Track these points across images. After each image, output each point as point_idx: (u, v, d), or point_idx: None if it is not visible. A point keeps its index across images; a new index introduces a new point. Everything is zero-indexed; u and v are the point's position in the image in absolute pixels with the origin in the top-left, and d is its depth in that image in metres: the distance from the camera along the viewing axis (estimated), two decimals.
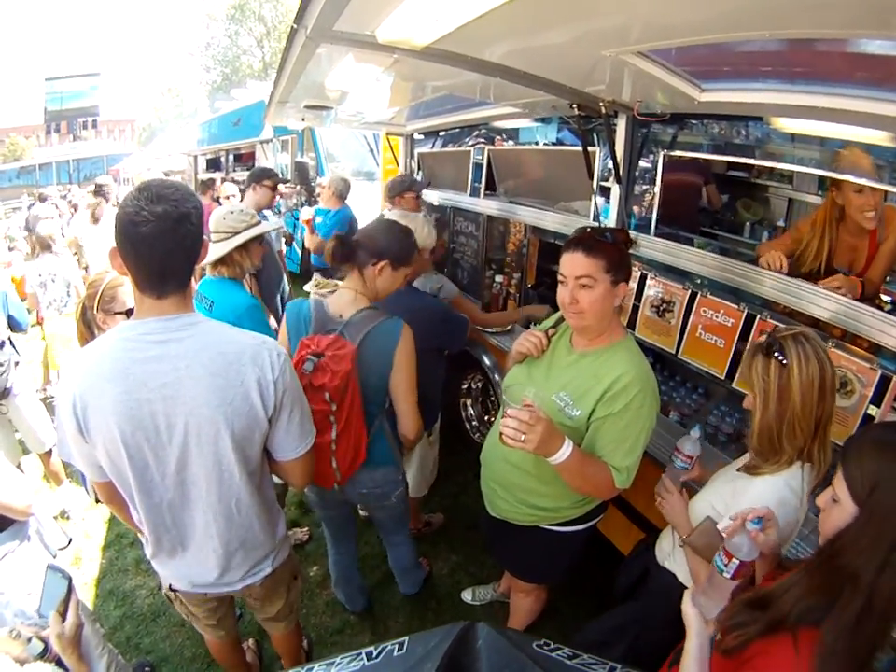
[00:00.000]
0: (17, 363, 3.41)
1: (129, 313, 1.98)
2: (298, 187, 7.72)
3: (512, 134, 3.79)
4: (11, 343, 3.41)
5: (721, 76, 1.92)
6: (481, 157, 3.93)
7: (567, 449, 1.51)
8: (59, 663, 1.30)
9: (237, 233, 2.41)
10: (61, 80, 34.44)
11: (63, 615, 1.31)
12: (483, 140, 4.00)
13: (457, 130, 4.28)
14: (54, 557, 1.96)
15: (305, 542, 3.21)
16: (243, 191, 4.65)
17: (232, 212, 2.45)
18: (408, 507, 2.38)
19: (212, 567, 1.55)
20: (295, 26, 1.65)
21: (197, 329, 1.33)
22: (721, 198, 3.57)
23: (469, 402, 3.92)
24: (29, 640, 1.31)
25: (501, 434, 1.49)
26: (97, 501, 1.81)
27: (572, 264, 1.61)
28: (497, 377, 3.30)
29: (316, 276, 4.72)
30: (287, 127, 5.96)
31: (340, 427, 1.85)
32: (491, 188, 3.96)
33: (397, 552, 2.62)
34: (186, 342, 1.31)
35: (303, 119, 4.07)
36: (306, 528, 3.28)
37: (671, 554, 1.70)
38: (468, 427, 3.91)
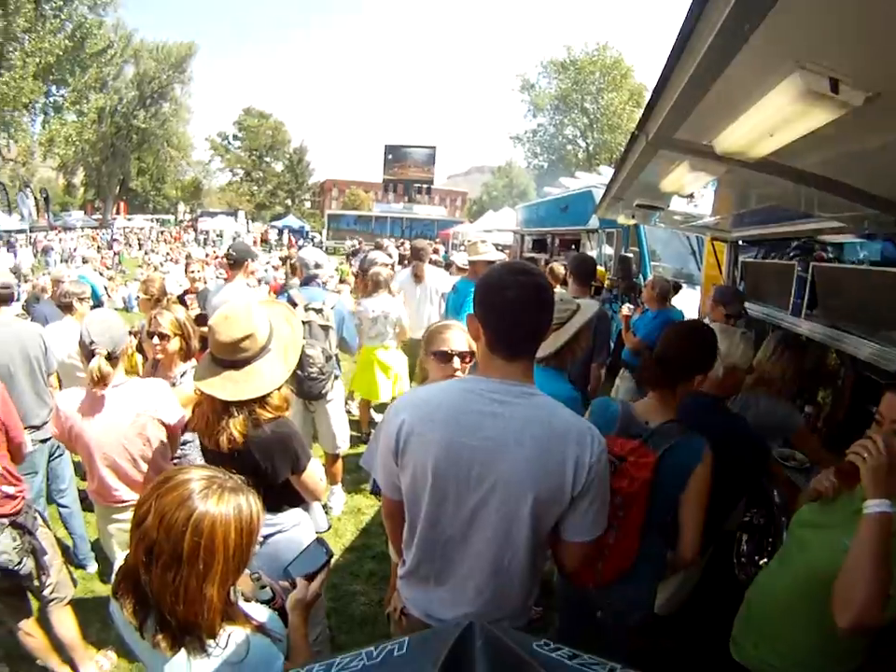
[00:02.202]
0: (336, 376, 4.19)
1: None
2: (619, 280, 7.84)
3: (835, 249, 3.63)
4: (337, 359, 4.19)
5: None
6: (804, 272, 3.81)
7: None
8: (280, 614, 1.52)
9: (562, 324, 2.39)
10: (399, 148, 40.31)
11: (310, 582, 1.55)
12: (804, 252, 3.91)
13: (781, 240, 4.20)
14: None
15: (535, 620, 3.13)
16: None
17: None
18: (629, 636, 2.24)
19: (456, 608, 1.61)
20: (637, 132, 1.84)
21: (533, 400, 1.47)
22: None
23: (745, 537, 3.63)
24: (263, 587, 1.58)
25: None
26: None
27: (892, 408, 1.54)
28: (784, 518, 3.02)
29: (623, 373, 4.90)
30: (615, 220, 6.23)
31: (619, 533, 1.87)
32: (812, 306, 3.80)
33: None
34: (520, 408, 1.44)
35: (633, 217, 4.30)
36: (540, 608, 3.23)
37: None
38: (735, 561, 3.63)
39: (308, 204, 59.48)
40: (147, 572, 1.16)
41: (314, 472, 2.26)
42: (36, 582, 2.69)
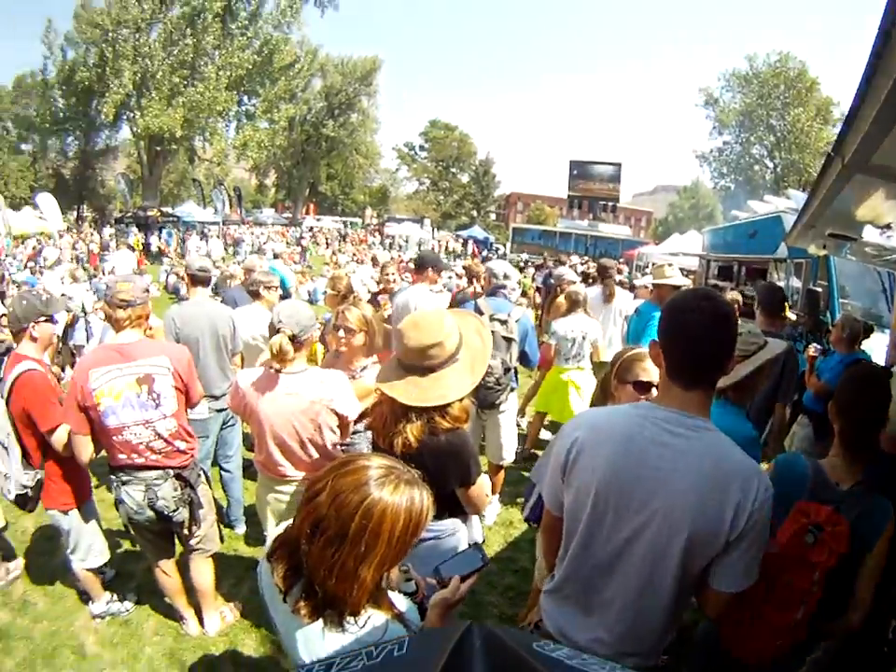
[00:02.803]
0: (513, 388, 4.26)
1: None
2: (805, 316, 7.39)
3: None
4: (515, 372, 4.27)
5: None
6: None
7: None
8: (419, 607, 1.57)
9: (746, 356, 2.31)
10: (585, 164, 39.83)
11: (459, 584, 1.56)
12: None
13: None
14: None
15: (662, 668, 3.10)
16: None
17: (741, 333, 2.24)
18: None
19: (591, 631, 1.63)
20: (832, 154, 1.75)
21: (705, 436, 1.46)
22: None
23: None
24: (408, 580, 1.65)
25: None
26: None
27: None
28: None
29: (802, 419, 4.63)
30: (805, 250, 5.91)
31: (808, 609, 1.81)
32: None
33: None
34: (692, 442, 1.45)
35: (823, 247, 4.02)
36: (666, 657, 3.13)
37: None
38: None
39: (493, 216, 60.67)
40: (309, 544, 1.23)
41: (481, 487, 2.28)
42: (186, 531, 2.99)
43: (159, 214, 29.84)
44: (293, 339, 2.60)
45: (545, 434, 6.02)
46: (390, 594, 1.45)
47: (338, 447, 2.83)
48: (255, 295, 4.62)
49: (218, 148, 34.08)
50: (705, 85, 43.29)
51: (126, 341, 2.77)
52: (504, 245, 39.02)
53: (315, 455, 2.77)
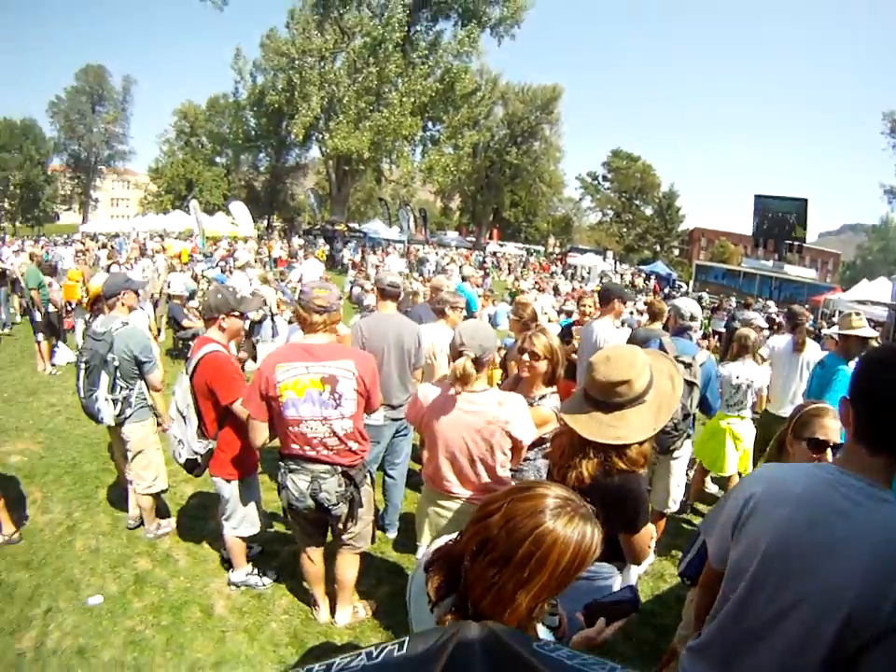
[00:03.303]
0: (689, 435, 4.19)
1: None
2: None
3: None
4: (693, 418, 4.15)
5: None
6: None
7: None
8: (559, 642, 1.52)
9: None
10: (770, 199, 37.32)
11: (607, 625, 1.58)
12: None
13: None
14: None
15: None
16: None
17: None
18: None
19: None
20: None
21: (883, 508, 1.33)
22: None
23: None
24: (553, 613, 1.61)
25: None
26: None
27: None
28: None
29: None
30: None
31: None
32: None
33: None
34: (870, 514, 1.33)
35: None
36: None
37: None
38: None
39: (676, 252, 58.79)
40: (472, 561, 1.22)
41: (645, 537, 2.22)
42: (341, 525, 3.08)
43: (346, 229, 32.02)
44: (475, 361, 2.61)
45: (712, 487, 5.79)
46: (536, 626, 1.44)
47: (507, 471, 2.82)
48: (440, 313, 4.70)
49: (405, 171, 35.49)
50: (889, 109, 38.73)
51: (316, 342, 2.92)
52: (686, 283, 37.67)
53: (484, 475, 2.77)
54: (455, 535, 1.39)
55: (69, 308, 10.35)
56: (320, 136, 33.69)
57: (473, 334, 2.66)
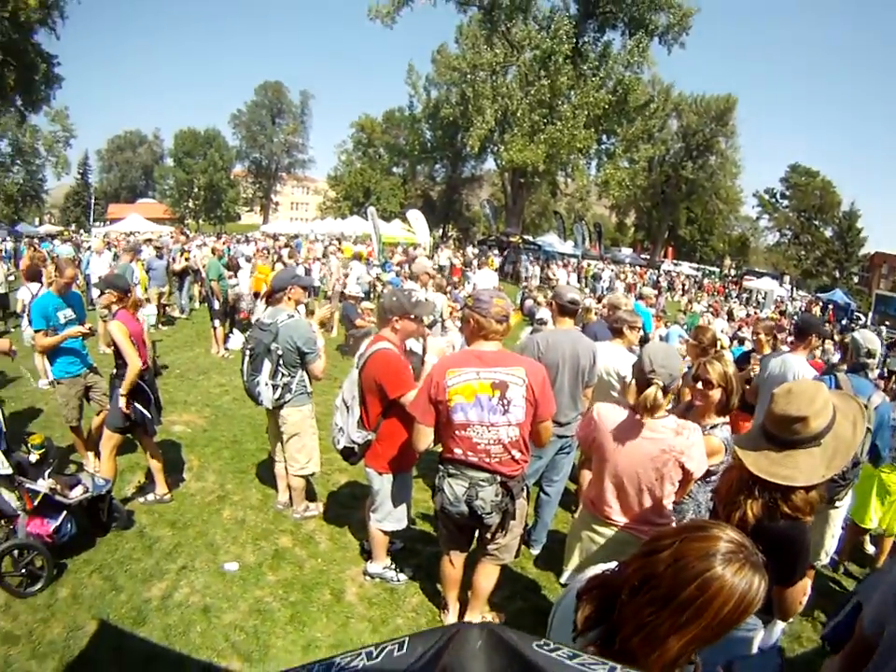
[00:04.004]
0: (853, 484, 3.89)
1: None
2: None
3: None
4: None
5: None
6: None
7: None
8: None
9: None
10: None
11: None
12: None
13: None
14: None
15: None
16: None
17: None
18: None
19: None
20: None
21: None
22: None
23: None
24: (691, 662, 1.46)
25: None
26: None
27: None
28: None
29: None
30: None
31: None
32: None
33: None
34: None
35: None
36: None
37: None
38: None
39: (856, 279, 54.56)
40: (631, 596, 1.19)
41: (799, 591, 2.10)
42: (489, 535, 3.06)
43: (520, 240, 32.20)
44: (663, 389, 2.57)
45: (869, 548, 5.29)
46: None
47: (671, 504, 2.75)
48: (617, 332, 4.64)
49: (580, 184, 35.79)
50: None
51: (487, 349, 2.93)
52: (864, 315, 34.43)
53: (648, 505, 2.69)
54: (613, 564, 1.37)
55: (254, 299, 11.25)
56: (495, 148, 34.38)
57: (664, 361, 2.62)
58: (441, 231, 49.13)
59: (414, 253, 21.65)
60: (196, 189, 55.23)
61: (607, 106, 31.31)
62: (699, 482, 2.93)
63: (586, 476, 4.65)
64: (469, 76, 32.20)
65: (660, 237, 50.06)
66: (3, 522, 3.79)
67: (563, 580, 3.31)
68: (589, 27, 32.82)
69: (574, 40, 30.71)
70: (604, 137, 35.09)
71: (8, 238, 26.16)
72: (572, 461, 4.44)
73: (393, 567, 3.85)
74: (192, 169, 54.17)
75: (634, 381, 2.77)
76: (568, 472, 4.45)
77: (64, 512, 3.78)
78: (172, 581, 3.74)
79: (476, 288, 12.18)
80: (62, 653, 3.18)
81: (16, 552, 3.59)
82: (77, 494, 3.91)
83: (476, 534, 3.22)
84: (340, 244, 23.79)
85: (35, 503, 3.66)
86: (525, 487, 3.14)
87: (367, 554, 3.96)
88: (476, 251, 29.15)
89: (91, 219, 51.31)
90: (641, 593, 1.18)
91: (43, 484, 3.73)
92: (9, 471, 3.59)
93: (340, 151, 56.00)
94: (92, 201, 55.72)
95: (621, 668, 0.89)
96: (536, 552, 4.31)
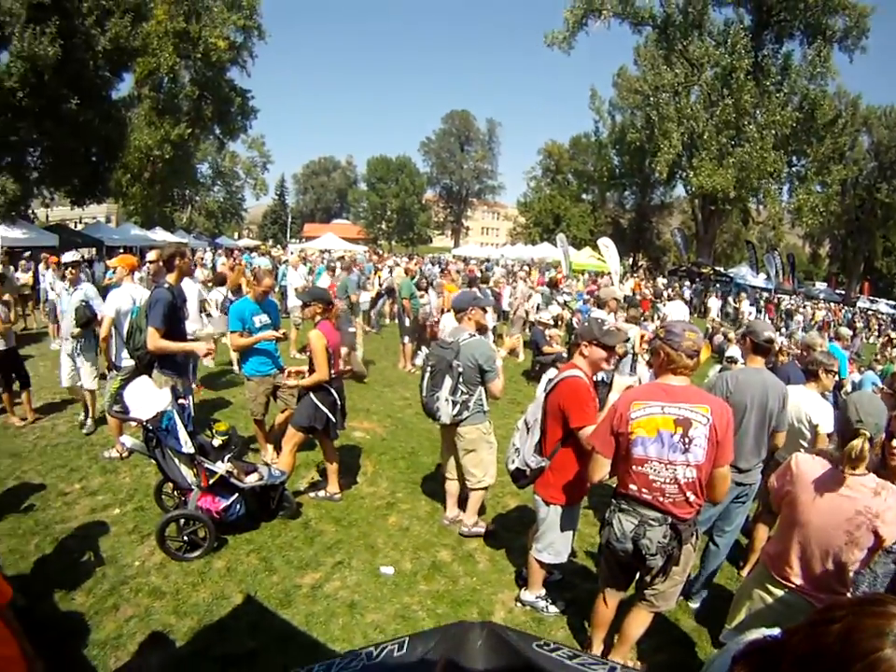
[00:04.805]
0: None
1: None
2: None
3: None
4: None
5: None
6: None
7: None
8: None
9: None
10: None
11: None
12: None
13: None
14: None
15: None
16: None
17: None
18: None
19: None
20: None
21: None
22: None
23: None
24: None
25: None
26: None
27: None
28: None
29: None
30: None
31: None
32: None
33: None
34: None
35: None
36: None
37: None
38: None
39: None
40: (792, 666, 1.12)
41: None
42: (649, 578, 2.97)
43: (711, 272, 31.08)
44: (871, 440, 2.43)
45: None
46: None
47: (852, 573, 2.56)
48: (811, 375, 4.38)
49: (772, 212, 34.11)
50: None
51: (676, 384, 2.88)
52: None
53: (830, 570, 2.54)
54: (776, 631, 1.30)
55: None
56: (683, 174, 33.43)
57: (871, 410, 2.47)
58: (630, 259, 48.51)
59: (602, 281, 21.40)
60: (389, 213, 59.37)
61: (794, 125, 29.71)
62: (882, 551, 2.70)
63: (761, 531, 4.36)
64: (651, 98, 31.84)
65: (855, 270, 45.83)
66: (177, 493, 4.30)
67: (721, 638, 3.16)
68: (766, 39, 31.49)
69: (753, 54, 29.48)
70: (794, 159, 33.10)
71: (209, 249, 29.35)
72: (747, 512, 4.18)
73: (546, 597, 3.82)
74: (385, 193, 58.60)
75: (837, 431, 2.63)
76: (741, 524, 4.19)
77: (237, 494, 4.16)
78: (325, 573, 3.95)
79: (668, 320, 11.81)
80: (201, 616, 3.48)
81: (182, 520, 4.03)
82: (251, 480, 4.28)
83: (636, 576, 3.13)
84: (529, 269, 23.83)
85: (211, 482, 4.08)
86: (695, 533, 3.01)
87: (523, 581, 3.95)
88: (666, 281, 28.31)
89: (288, 236, 56.95)
90: (805, 665, 1.11)
91: (221, 467, 4.15)
92: (192, 451, 4.03)
93: (529, 177, 57.74)
94: (289, 220, 61.90)
95: (621, 668, 0.93)
96: (694, 605, 4.08)
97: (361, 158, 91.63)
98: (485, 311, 4.83)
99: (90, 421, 6.37)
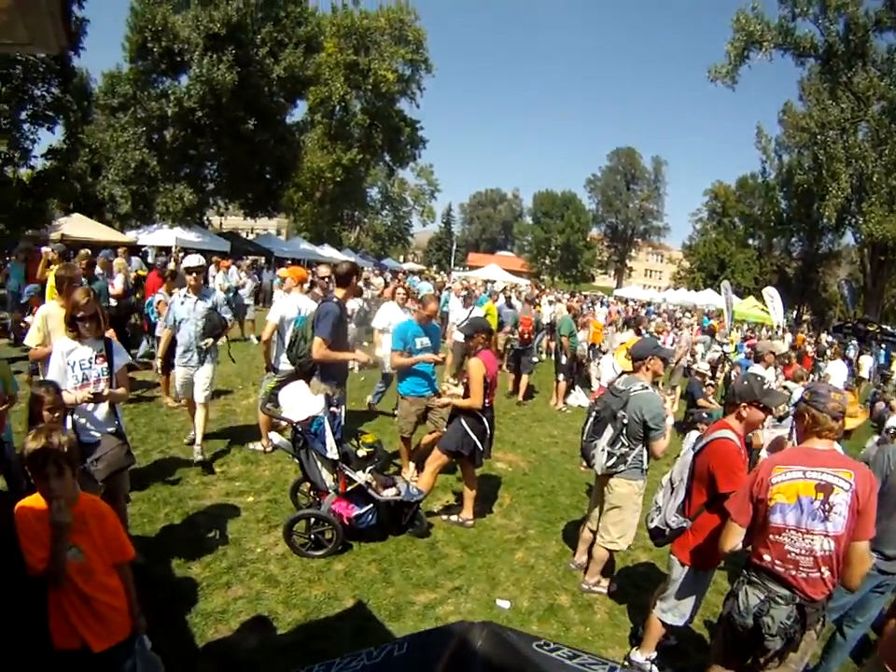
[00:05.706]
0: None
1: None
2: None
3: None
4: None
5: None
6: None
7: None
8: None
9: None
10: None
11: None
12: None
13: None
14: None
15: None
16: None
17: None
18: None
19: None
20: None
21: None
22: None
23: None
24: None
25: None
26: None
27: None
28: None
29: None
30: None
31: None
32: None
33: None
34: None
35: None
36: None
37: None
38: None
39: None
40: None
41: None
42: (762, 660, 2.77)
43: (878, 331, 27.72)
44: None
45: None
46: None
47: None
48: None
49: None
50: None
51: (818, 447, 2.77)
52: None
53: None
54: None
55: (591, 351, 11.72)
56: (853, 220, 31.26)
57: None
58: (795, 312, 45.39)
59: (762, 333, 20.59)
60: (553, 248, 60.02)
61: None
62: None
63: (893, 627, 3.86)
64: (818, 136, 29.93)
65: None
66: (313, 493, 4.57)
67: None
68: None
69: None
70: None
71: (376, 269, 30.69)
72: (883, 604, 3.83)
73: (656, 661, 3.68)
74: (550, 228, 59.54)
75: None
76: (875, 616, 3.84)
77: (371, 505, 4.38)
78: (441, 595, 4.05)
79: (828, 380, 10.94)
80: (308, 610, 3.68)
81: (312, 519, 4.29)
82: (388, 493, 4.50)
83: (751, 655, 2.94)
84: (693, 316, 23.11)
85: (349, 489, 4.36)
86: (822, 619, 2.83)
87: (637, 641, 3.84)
88: (830, 339, 25.83)
89: (452, 263, 59.39)
90: None
91: (361, 476, 4.41)
92: (336, 457, 4.30)
93: (695, 220, 56.59)
94: (454, 247, 64.40)
95: (621, 668, 0.96)
96: None
97: (526, 191, 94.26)
98: (666, 362, 4.63)
99: (199, 439, 5.63)
